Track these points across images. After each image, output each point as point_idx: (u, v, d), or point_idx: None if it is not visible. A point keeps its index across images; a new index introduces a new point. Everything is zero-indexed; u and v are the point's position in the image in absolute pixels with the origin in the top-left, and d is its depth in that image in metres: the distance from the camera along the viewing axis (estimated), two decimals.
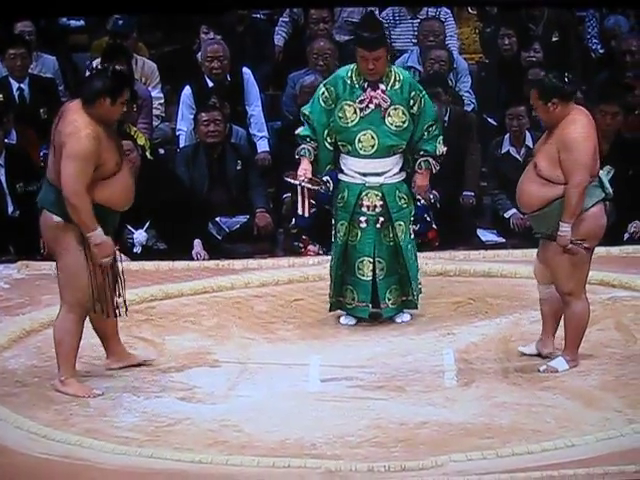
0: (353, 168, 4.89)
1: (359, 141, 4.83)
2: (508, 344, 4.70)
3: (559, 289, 4.41)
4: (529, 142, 6.34)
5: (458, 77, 6.80)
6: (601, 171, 4.39)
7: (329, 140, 4.87)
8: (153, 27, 7.29)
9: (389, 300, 4.96)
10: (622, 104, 6.17)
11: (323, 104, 4.85)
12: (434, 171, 4.91)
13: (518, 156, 6.23)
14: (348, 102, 4.82)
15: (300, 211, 4.86)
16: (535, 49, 6.72)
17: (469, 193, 6.41)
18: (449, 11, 7.03)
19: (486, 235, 6.21)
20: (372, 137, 4.82)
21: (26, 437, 4.01)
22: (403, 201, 4.92)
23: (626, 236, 6.06)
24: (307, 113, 4.88)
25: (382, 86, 4.82)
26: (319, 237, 6.03)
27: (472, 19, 7.36)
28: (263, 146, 6.59)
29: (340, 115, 4.83)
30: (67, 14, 7.20)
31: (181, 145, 6.51)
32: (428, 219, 6.02)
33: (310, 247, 6.06)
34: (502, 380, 4.42)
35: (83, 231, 4.20)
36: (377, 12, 7.07)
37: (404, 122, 4.83)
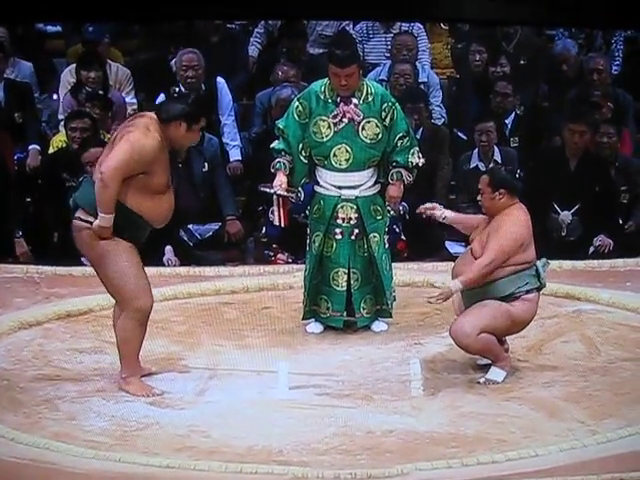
0: (328, 181, 4.94)
1: (334, 155, 4.89)
2: (474, 355, 4.76)
3: (458, 327, 4.47)
4: (497, 157, 6.44)
5: (429, 91, 6.88)
6: (538, 261, 4.54)
7: (304, 154, 4.92)
8: (128, 35, 7.30)
9: (364, 310, 5.01)
10: (590, 123, 6.28)
11: (297, 118, 4.90)
12: (406, 182, 4.98)
13: (486, 169, 6.31)
14: (322, 117, 4.87)
15: (277, 222, 4.91)
16: (502, 64, 6.82)
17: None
18: (422, 26, 7.11)
19: (454, 247, 6.28)
20: (347, 151, 4.88)
21: None
22: (378, 213, 4.99)
23: (591, 250, 6.16)
24: (282, 127, 4.92)
25: (355, 100, 4.87)
26: (289, 246, 6.07)
27: (444, 34, 7.46)
28: (235, 155, 6.63)
29: (314, 130, 4.88)
30: (42, 20, 7.19)
31: None
32: (397, 230, 6.08)
33: (279, 255, 6.09)
34: (468, 390, 4.48)
35: (99, 209, 4.19)
36: (351, 26, 7.16)
37: (378, 134, 4.88)
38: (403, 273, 5.60)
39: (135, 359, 4.38)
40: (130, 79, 6.82)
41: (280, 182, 4.87)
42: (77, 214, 4.31)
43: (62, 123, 6.38)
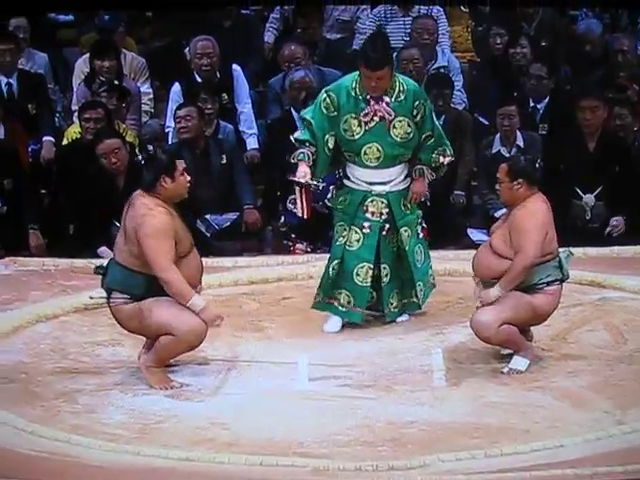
0: (359, 177, 4.86)
1: (365, 153, 4.80)
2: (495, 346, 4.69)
3: (478, 319, 4.40)
4: (520, 142, 6.35)
5: (450, 75, 6.79)
6: (561, 253, 4.45)
7: (329, 145, 4.80)
8: (142, 22, 7.27)
9: (391, 304, 4.94)
10: (601, 98, 6.15)
11: (325, 110, 4.78)
12: (429, 180, 4.91)
13: (509, 156, 6.23)
14: (352, 115, 4.76)
15: (299, 213, 4.85)
16: (522, 45, 6.72)
17: (460, 192, 6.41)
18: (441, 9, 7.02)
19: (476, 235, 6.21)
20: (377, 149, 4.79)
21: (13, 433, 3.98)
22: (407, 208, 4.92)
23: (607, 230, 6.08)
24: (308, 118, 4.80)
25: (386, 98, 4.75)
26: (307, 235, 6.02)
27: (464, 17, 7.36)
28: (252, 143, 6.58)
29: (345, 128, 4.78)
30: (58, 10, 7.19)
31: (169, 142, 6.50)
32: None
33: (298, 245, 6.04)
34: (491, 380, 4.42)
35: (185, 299, 4.26)
36: (369, 10, 7.08)
37: (409, 133, 4.79)
38: None
39: (168, 360, 4.40)
40: (145, 68, 6.80)
41: (304, 173, 4.76)
42: (112, 297, 4.35)
43: (76, 114, 6.37)
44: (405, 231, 4.90)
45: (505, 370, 4.47)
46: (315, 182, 4.78)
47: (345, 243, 4.86)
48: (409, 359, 4.60)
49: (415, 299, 4.97)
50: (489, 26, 7.04)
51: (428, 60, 6.75)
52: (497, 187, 4.53)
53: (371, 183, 4.84)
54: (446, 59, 6.87)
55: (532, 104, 6.55)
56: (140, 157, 4.37)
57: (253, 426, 4.05)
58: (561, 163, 6.12)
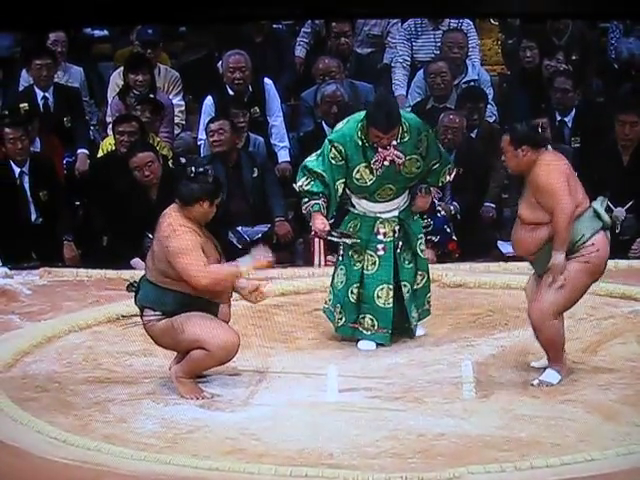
0: (369, 208, 4.89)
1: (378, 194, 4.84)
2: (527, 356, 4.67)
3: (537, 306, 4.38)
4: None
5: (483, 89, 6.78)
6: (594, 202, 4.41)
7: (339, 192, 4.83)
8: (175, 37, 7.34)
9: (414, 318, 4.94)
10: None
11: (333, 161, 4.78)
12: (433, 199, 4.96)
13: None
14: (363, 164, 4.78)
15: (317, 263, 4.87)
16: (558, 59, 6.70)
17: (490, 205, 6.40)
18: (471, 22, 7.02)
19: (506, 247, 6.18)
20: (390, 189, 4.83)
21: (46, 442, 4.03)
22: (415, 214, 4.94)
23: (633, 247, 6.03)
24: (319, 171, 4.79)
25: (393, 142, 4.76)
26: (338, 247, 6.02)
27: (494, 30, 7.35)
28: (284, 156, 6.61)
29: (357, 177, 4.80)
30: (91, 25, 7.26)
31: (202, 155, 6.55)
32: (448, 230, 6.01)
33: (329, 257, 6.06)
34: (521, 393, 4.40)
35: (237, 276, 4.41)
36: (399, 24, 7.10)
37: (419, 168, 4.83)
38: (455, 274, 5.53)
39: (197, 374, 4.45)
40: (179, 81, 6.86)
41: (324, 225, 4.80)
42: (145, 314, 4.42)
43: (110, 127, 6.44)
44: (420, 238, 4.92)
45: (535, 382, 4.45)
46: (356, 239, 4.82)
47: (362, 268, 4.87)
48: (439, 371, 4.60)
49: (427, 306, 4.97)
50: (519, 39, 7.03)
51: (457, 73, 6.76)
52: (502, 158, 4.50)
53: (381, 212, 4.89)
54: (476, 72, 6.86)
55: (559, 117, 6.53)
56: (190, 170, 4.44)
57: (283, 437, 4.07)
58: (592, 176, 6.08)
